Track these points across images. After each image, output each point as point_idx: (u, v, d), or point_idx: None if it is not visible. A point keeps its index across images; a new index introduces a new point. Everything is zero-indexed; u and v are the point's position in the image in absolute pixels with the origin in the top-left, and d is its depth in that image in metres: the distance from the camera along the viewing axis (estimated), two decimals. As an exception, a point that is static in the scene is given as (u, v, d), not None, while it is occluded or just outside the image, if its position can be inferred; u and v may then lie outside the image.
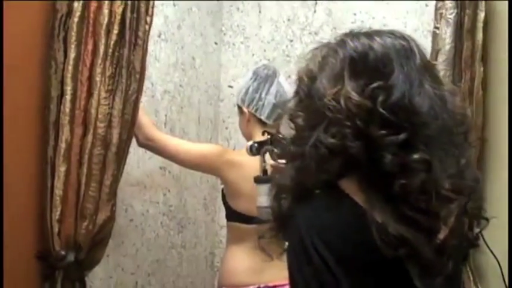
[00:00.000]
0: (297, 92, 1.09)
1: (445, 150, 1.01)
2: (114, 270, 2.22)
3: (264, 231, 1.15)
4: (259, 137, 2.14)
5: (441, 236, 1.00)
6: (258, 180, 1.83)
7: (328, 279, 0.97)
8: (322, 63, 1.06)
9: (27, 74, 1.66)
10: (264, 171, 1.84)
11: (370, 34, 1.06)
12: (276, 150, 1.85)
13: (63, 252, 1.67)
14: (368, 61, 1.03)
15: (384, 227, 0.97)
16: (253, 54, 2.90)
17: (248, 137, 2.23)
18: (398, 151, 0.98)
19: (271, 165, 1.84)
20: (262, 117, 2.14)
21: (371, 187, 1.01)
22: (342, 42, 1.07)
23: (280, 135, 1.12)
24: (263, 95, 2.13)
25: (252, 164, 2.06)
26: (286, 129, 1.13)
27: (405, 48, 1.05)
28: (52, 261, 1.68)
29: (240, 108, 2.21)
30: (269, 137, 1.90)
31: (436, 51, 2.07)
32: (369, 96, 1.00)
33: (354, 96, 0.99)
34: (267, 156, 1.85)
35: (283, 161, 1.17)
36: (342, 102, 1.00)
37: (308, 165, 1.03)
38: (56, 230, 1.66)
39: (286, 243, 1.07)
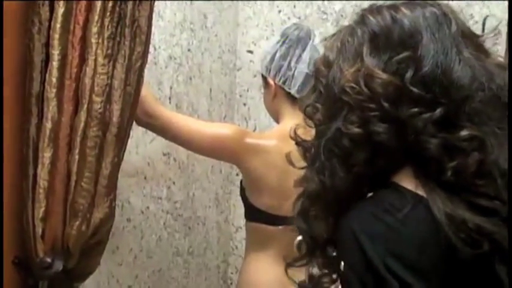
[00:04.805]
0: (314, 87, 1.15)
1: (499, 126, 1.04)
2: (108, 281, 2.23)
3: (293, 258, 1.21)
4: (289, 115, 2.14)
5: None
6: None
7: None
8: (340, 46, 1.12)
9: (2, 34, 1.64)
10: None
11: (397, 6, 1.11)
12: None
13: (48, 259, 1.66)
14: (392, 35, 1.08)
15: (460, 220, 1.00)
16: (279, 11, 2.90)
17: (274, 116, 2.23)
18: (438, 131, 1.02)
19: None
20: (292, 91, 2.15)
21: (429, 179, 1.04)
22: (360, 18, 1.13)
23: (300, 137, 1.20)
24: (293, 63, 2.14)
25: (279, 150, 2.05)
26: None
27: (436, 14, 1.09)
28: (34, 270, 1.67)
29: (264, 79, 2.21)
30: None
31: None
32: (394, 71, 1.04)
33: (377, 73, 1.04)
34: None
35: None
36: (362, 82, 1.04)
37: (329, 162, 1.07)
38: (39, 231, 1.66)
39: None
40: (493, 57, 1.12)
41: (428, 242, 1.02)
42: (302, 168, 1.17)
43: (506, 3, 2.63)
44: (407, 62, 1.04)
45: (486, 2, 2.70)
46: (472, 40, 1.11)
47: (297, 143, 1.18)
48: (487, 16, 1.20)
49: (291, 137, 1.20)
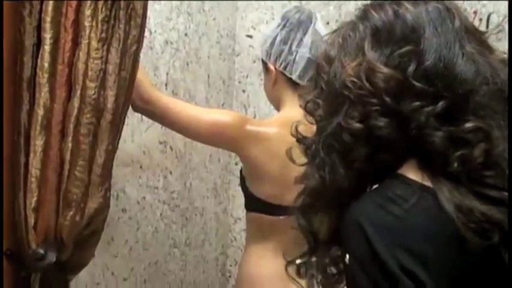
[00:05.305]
0: (316, 83, 1.17)
1: (504, 119, 1.06)
2: (102, 274, 2.24)
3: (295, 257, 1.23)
4: (290, 102, 2.13)
5: None
6: None
7: None
8: (341, 42, 1.15)
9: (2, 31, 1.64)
10: None
11: (399, 2, 1.13)
12: None
13: (41, 251, 1.66)
14: (394, 30, 1.10)
15: (468, 210, 1.01)
16: (279, -6, 2.88)
17: (275, 103, 2.23)
18: (442, 125, 1.04)
19: None
20: (293, 77, 2.15)
21: (435, 171, 1.06)
22: (363, 13, 1.16)
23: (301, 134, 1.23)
24: (294, 47, 2.14)
25: (280, 138, 2.05)
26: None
27: (439, 9, 1.11)
28: (27, 262, 1.67)
29: (264, 64, 2.20)
30: None
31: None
32: (396, 65, 1.07)
33: (379, 67, 1.06)
34: None
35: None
36: (363, 76, 1.07)
37: (329, 158, 1.09)
38: (31, 221, 1.65)
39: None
40: (496, 54, 1.14)
41: (437, 233, 1.03)
42: (303, 165, 1.17)
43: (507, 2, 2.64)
44: (409, 56, 1.07)
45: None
46: (475, 36, 1.13)
47: (298, 140, 1.20)
48: (491, 13, 1.21)
49: (292, 134, 1.21)
